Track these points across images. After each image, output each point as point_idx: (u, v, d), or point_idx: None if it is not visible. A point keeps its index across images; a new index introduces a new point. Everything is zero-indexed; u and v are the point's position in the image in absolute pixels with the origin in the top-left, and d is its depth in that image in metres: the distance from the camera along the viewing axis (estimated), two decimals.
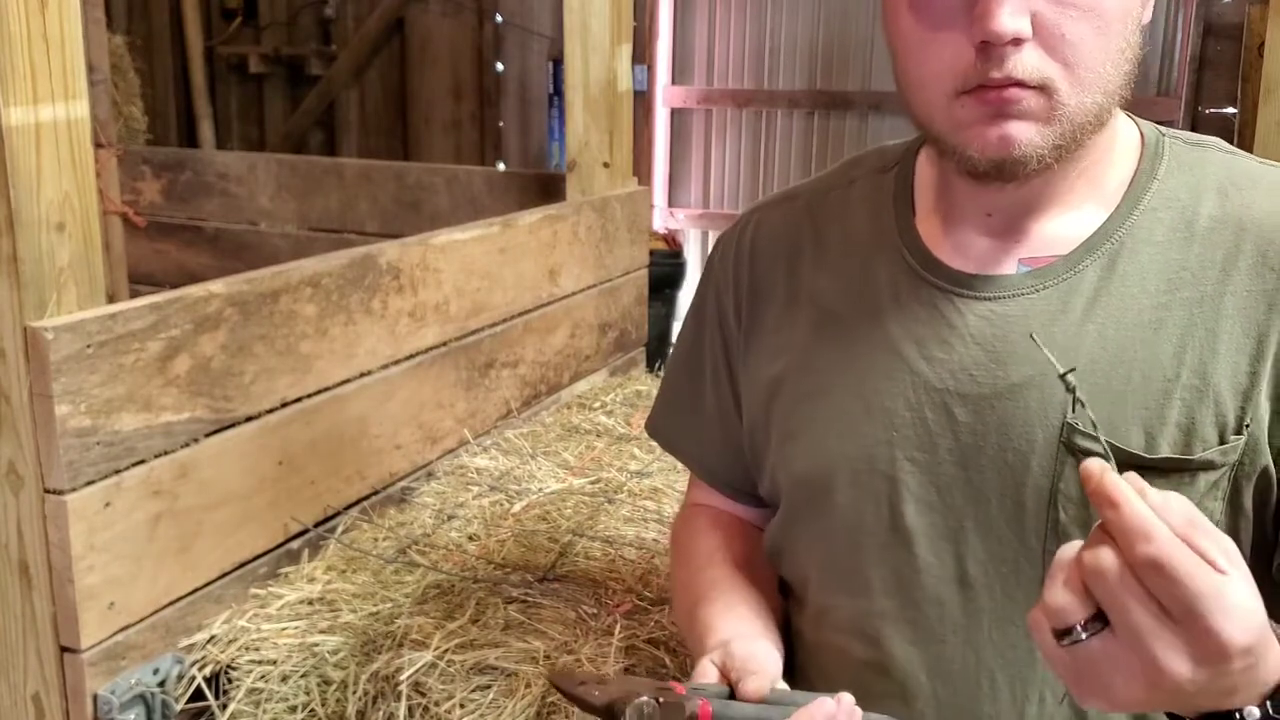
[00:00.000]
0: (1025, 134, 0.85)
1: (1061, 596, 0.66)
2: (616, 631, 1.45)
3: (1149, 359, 0.88)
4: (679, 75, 5.35)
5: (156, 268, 3.44)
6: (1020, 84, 0.84)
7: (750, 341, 1.08)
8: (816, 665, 1.04)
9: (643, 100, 5.16)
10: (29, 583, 1.37)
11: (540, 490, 1.91)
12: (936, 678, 0.94)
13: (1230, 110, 4.35)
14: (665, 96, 5.34)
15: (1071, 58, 0.84)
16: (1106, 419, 0.87)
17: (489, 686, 1.38)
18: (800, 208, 1.10)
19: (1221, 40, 4.36)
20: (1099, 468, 0.66)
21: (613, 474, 1.97)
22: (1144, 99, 4.58)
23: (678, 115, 5.38)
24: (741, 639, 0.94)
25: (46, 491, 1.33)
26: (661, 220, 5.35)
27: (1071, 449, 0.88)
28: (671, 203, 5.44)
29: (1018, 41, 0.82)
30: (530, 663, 1.40)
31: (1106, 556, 0.64)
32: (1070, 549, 0.67)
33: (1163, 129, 0.98)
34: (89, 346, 1.34)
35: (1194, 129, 4.46)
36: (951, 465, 0.93)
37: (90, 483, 1.36)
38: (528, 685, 1.37)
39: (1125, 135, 0.96)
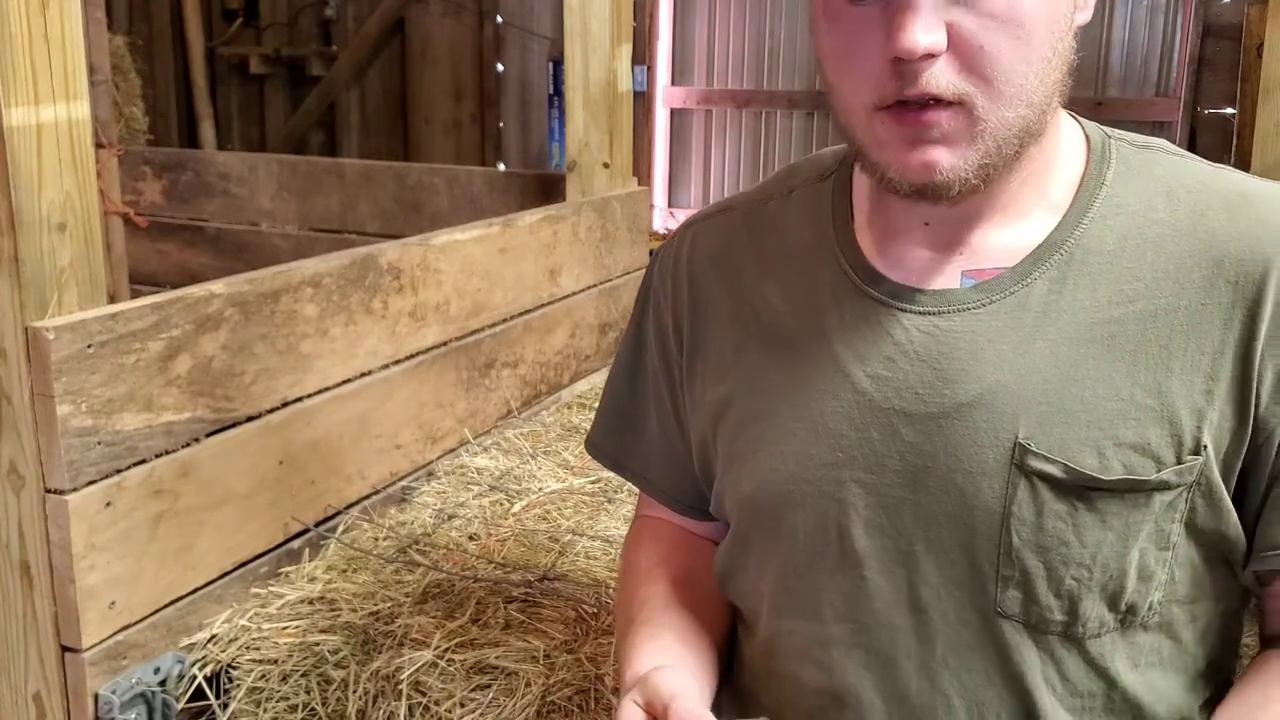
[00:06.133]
0: (947, 159, 0.82)
1: None
2: (617, 631, 1.45)
3: (1101, 377, 0.85)
4: (679, 76, 5.35)
5: (157, 268, 3.45)
6: (937, 99, 0.81)
7: (693, 362, 1.04)
8: (769, 694, 1.01)
9: (643, 100, 5.16)
10: (30, 582, 1.37)
11: (540, 490, 1.91)
12: (892, 704, 0.92)
13: (1229, 111, 4.35)
14: (665, 97, 5.34)
15: (990, 71, 0.80)
16: (1059, 439, 0.85)
17: (489, 686, 1.38)
18: (737, 220, 1.05)
19: (1220, 41, 4.36)
20: None
21: (612, 473, 1.97)
22: (1143, 99, 4.58)
23: (677, 115, 5.39)
24: (660, 672, 0.91)
25: (48, 491, 1.34)
26: (661, 220, 5.35)
27: (1024, 470, 0.85)
28: (671, 203, 5.44)
29: (932, 56, 0.79)
30: (530, 662, 1.41)
31: None
32: None
33: (1108, 130, 0.95)
34: (90, 346, 1.34)
35: (1193, 130, 4.46)
36: (900, 487, 0.89)
37: (91, 482, 1.36)
38: (528, 684, 1.37)
39: (1069, 139, 0.93)
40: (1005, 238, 0.90)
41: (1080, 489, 0.85)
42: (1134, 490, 0.84)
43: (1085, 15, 0.87)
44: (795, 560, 0.95)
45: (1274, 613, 0.92)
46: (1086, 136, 0.94)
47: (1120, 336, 0.86)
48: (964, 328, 0.89)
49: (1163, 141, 0.95)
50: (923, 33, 0.78)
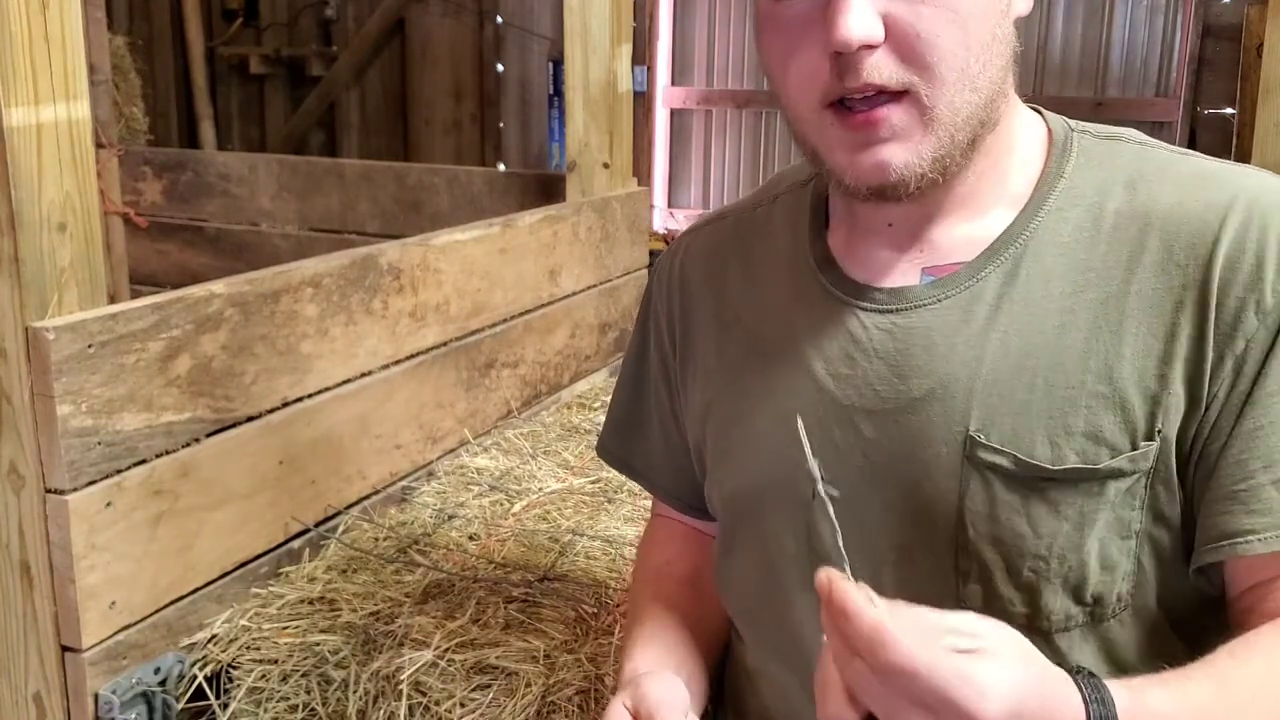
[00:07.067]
0: (900, 156, 0.82)
1: (833, 707, 0.67)
2: (616, 631, 1.45)
3: (1053, 365, 0.85)
4: (679, 76, 5.35)
5: (158, 268, 3.44)
6: (881, 90, 0.81)
7: (686, 367, 1.07)
8: (756, 694, 1.03)
9: (643, 101, 5.16)
10: (30, 582, 1.37)
11: (540, 490, 1.91)
12: None
13: (1229, 111, 4.35)
14: (665, 97, 5.34)
15: (930, 57, 0.80)
16: (1010, 430, 0.85)
17: (489, 686, 1.38)
18: (727, 227, 1.08)
19: (1220, 41, 4.36)
20: (827, 579, 0.66)
21: (612, 473, 1.97)
22: (1143, 99, 4.59)
23: (677, 115, 5.39)
24: (651, 677, 0.92)
25: (48, 491, 1.34)
26: (661, 220, 5.35)
27: (975, 463, 0.85)
28: (671, 203, 5.44)
29: (871, 47, 0.79)
30: (530, 662, 1.41)
31: (859, 667, 0.65)
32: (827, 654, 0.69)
33: (1073, 123, 0.94)
34: (90, 346, 1.34)
35: (1193, 129, 4.46)
36: (861, 484, 0.89)
37: (91, 482, 1.36)
38: (528, 685, 1.37)
39: (1029, 132, 0.93)
40: (965, 233, 0.91)
41: (1031, 479, 0.85)
42: (1086, 479, 0.84)
43: (1024, 6, 0.87)
44: (772, 559, 0.97)
45: (1243, 611, 0.86)
46: (1049, 130, 0.94)
47: (1072, 325, 0.86)
48: (920, 324, 0.89)
49: (1130, 131, 0.95)
50: (858, 23, 0.78)
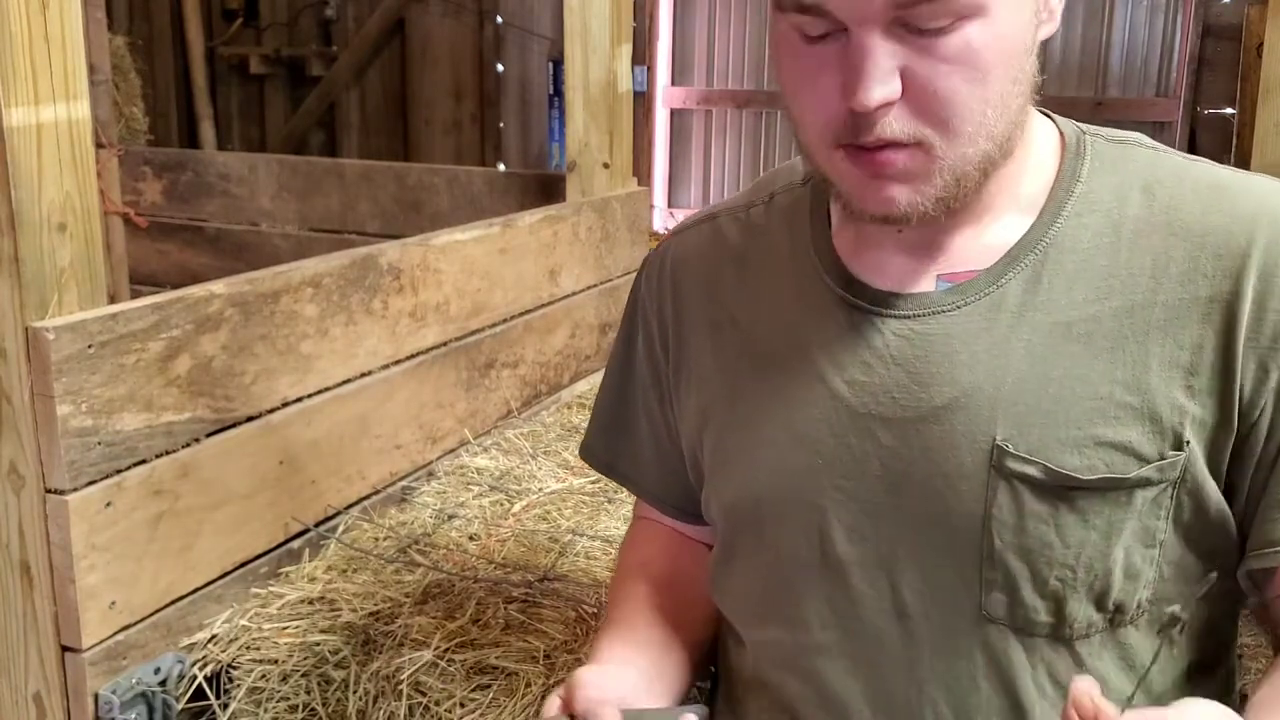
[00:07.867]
0: (905, 196, 0.83)
1: None
2: None
3: (1080, 375, 0.85)
4: (679, 76, 5.36)
5: (158, 268, 3.45)
6: (894, 143, 0.81)
7: (679, 372, 1.05)
8: (756, 702, 1.01)
9: (642, 101, 5.17)
10: (30, 582, 1.37)
11: (540, 490, 1.91)
12: (879, 710, 0.91)
13: (1229, 111, 4.35)
14: (665, 97, 5.34)
15: (945, 114, 0.80)
16: (1038, 440, 0.84)
17: (489, 686, 1.38)
18: (720, 227, 1.06)
19: (1220, 41, 4.36)
20: (1085, 691, 0.66)
21: None
22: (1143, 99, 4.59)
23: (677, 115, 5.39)
24: (590, 668, 0.92)
25: (48, 491, 1.34)
26: (661, 220, 5.36)
27: (1003, 472, 0.85)
28: (671, 203, 5.45)
29: (888, 104, 0.79)
30: (530, 662, 1.41)
31: None
32: None
33: (1084, 127, 0.93)
34: (90, 346, 1.34)
35: (1193, 130, 4.47)
36: (880, 492, 0.89)
37: (91, 482, 1.36)
38: (528, 685, 1.37)
39: (1043, 137, 0.92)
40: (980, 239, 0.90)
41: (1061, 489, 0.84)
42: (1115, 488, 0.84)
43: (1050, 28, 0.87)
44: (779, 568, 0.95)
45: None
46: (1061, 134, 0.93)
47: (1097, 334, 0.85)
48: (939, 331, 0.88)
49: (1140, 135, 0.94)
50: (879, 86, 0.78)
